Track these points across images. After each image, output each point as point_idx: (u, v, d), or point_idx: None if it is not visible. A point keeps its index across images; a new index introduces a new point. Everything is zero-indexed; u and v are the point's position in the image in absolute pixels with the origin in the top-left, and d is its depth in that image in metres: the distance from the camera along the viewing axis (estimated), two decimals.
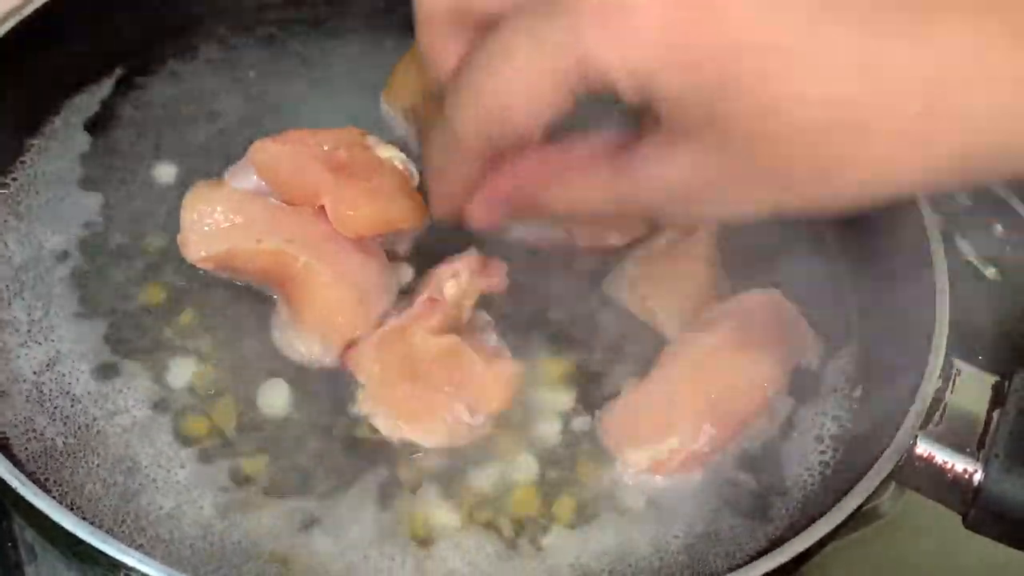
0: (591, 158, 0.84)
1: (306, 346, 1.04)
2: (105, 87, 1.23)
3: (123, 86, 1.23)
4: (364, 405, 1.00)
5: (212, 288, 1.08)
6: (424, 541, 0.96)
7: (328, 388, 1.03)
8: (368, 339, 1.00)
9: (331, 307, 1.04)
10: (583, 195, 0.85)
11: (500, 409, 1.01)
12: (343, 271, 1.04)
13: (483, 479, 1.00)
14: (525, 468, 1.01)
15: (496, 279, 1.05)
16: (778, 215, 0.79)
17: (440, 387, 1.00)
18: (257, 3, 1.33)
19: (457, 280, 1.00)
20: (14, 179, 1.14)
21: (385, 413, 1.00)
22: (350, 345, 1.03)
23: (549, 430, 1.04)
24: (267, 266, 1.05)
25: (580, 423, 1.05)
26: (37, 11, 1.14)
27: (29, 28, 1.13)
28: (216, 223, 1.05)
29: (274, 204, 1.06)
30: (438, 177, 0.92)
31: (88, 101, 1.21)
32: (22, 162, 1.15)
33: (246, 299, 1.08)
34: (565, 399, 1.06)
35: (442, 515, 0.98)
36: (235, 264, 1.06)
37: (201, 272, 1.07)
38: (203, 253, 1.05)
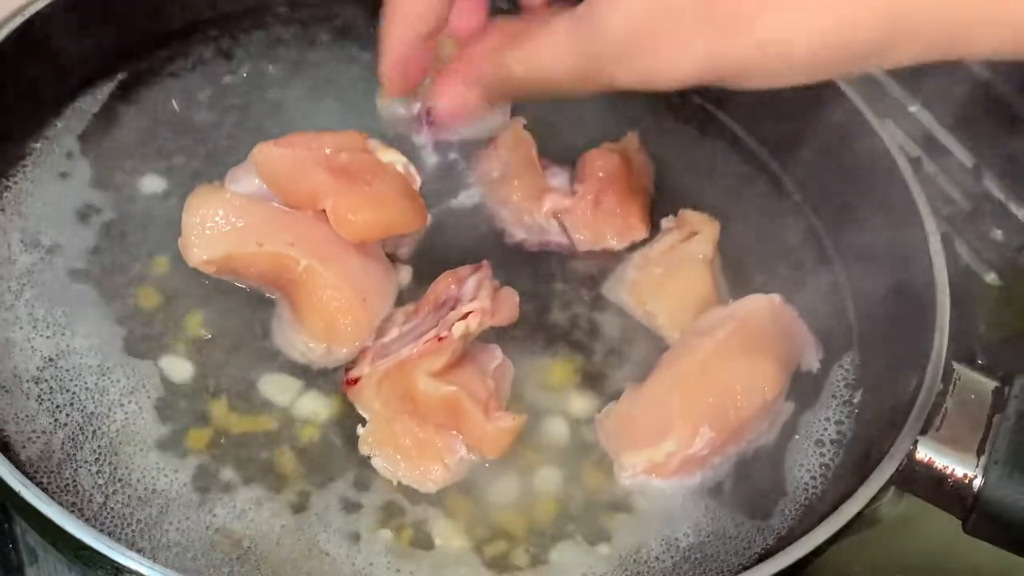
0: (549, 18, 0.89)
1: (308, 348, 1.04)
2: (106, 90, 1.22)
3: (123, 89, 1.23)
4: (365, 446, 1.00)
5: (213, 290, 1.08)
6: (432, 556, 0.96)
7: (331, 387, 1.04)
8: (371, 375, 1.00)
9: (333, 309, 1.04)
10: (544, 52, 0.88)
11: (497, 457, 1.01)
12: (345, 273, 1.04)
13: (491, 492, 1.00)
14: (529, 477, 1.02)
15: (507, 313, 1.04)
16: (717, 73, 0.81)
17: (440, 429, 1.00)
18: (257, 7, 1.32)
19: (467, 322, 1.00)
20: (16, 182, 1.13)
21: (386, 455, 1.00)
22: (352, 367, 1.03)
23: (551, 435, 1.04)
24: (268, 269, 1.05)
25: (580, 427, 1.05)
26: (38, 14, 1.14)
27: (29, 32, 1.13)
28: (217, 227, 1.04)
29: (275, 207, 1.06)
30: (383, 45, 0.99)
31: (89, 104, 1.21)
32: (24, 165, 1.15)
33: (248, 301, 1.08)
34: (565, 403, 1.06)
35: (450, 530, 0.98)
36: (236, 267, 1.06)
37: (202, 276, 1.07)
38: (204, 257, 1.05)
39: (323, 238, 1.05)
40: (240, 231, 1.04)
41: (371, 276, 1.07)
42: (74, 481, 0.95)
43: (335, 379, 1.04)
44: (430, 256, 1.13)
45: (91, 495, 0.95)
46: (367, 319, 1.04)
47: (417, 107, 1.21)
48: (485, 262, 1.06)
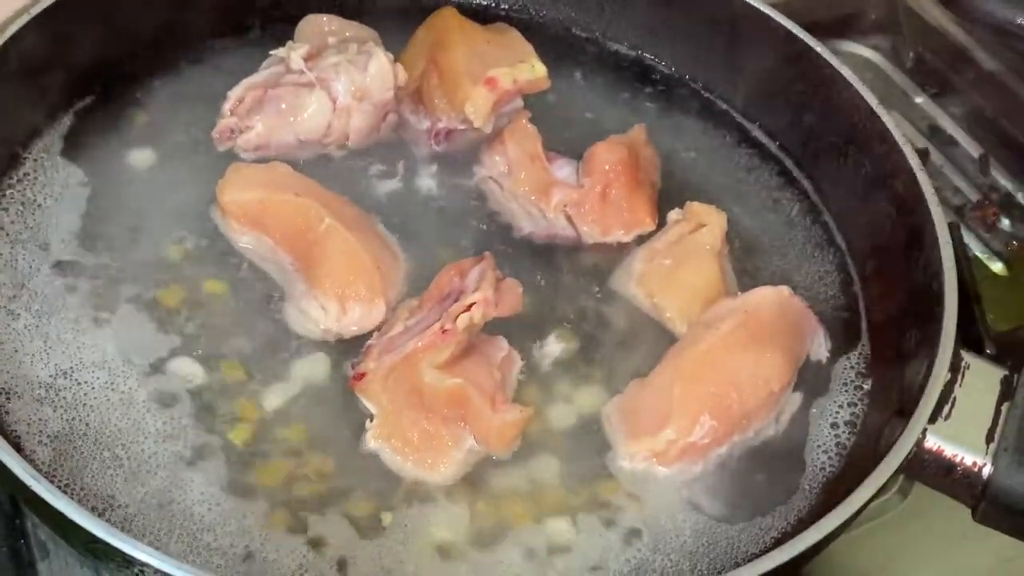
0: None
1: (322, 313, 1.06)
2: (102, 97, 1.22)
3: (121, 97, 1.22)
4: (373, 440, 1.01)
5: (219, 294, 1.09)
6: (439, 546, 0.96)
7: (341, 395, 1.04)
8: (377, 370, 1.01)
9: (349, 269, 1.06)
10: None
11: (503, 451, 1.02)
12: (363, 241, 1.08)
13: (497, 482, 1.01)
14: (538, 466, 1.02)
15: (510, 304, 1.05)
16: None
17: (447, 421, 1.00)
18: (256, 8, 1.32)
19: (471, 314, 1.00)
20: (15, 191, 1.12)
21: (394, 448, 1.00)
22: (359, 363, 1.03)
23: (559, 427, 1.05)
24: (294, 223, 1.08)
25: (587, 419, 1.05)
26: (34, 20, 1.13)
27: (24, 38, 1.12)
28: (258, 177, 1.12)
29: (314, 182, 1.12)
30: None
31: (84, 111, 1.20)
32: (25, 174, 1.14)
33: (254, 303, 1.09)
34: (572, 395, 1.07)
35: (456, 520, 0.98)
36: (264, 218, 1.09)
37: (204, 285, 1.09)
38: (238, 197, 1.10)
39: (350, 212, 1.11)
40: (279, 183, 1.11)
41: (386, 252, 1.11)
42: (84, 476, 0.95)
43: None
44: (436, 250, 1.14)
45: (101, 491, 0.95)
46: (381, 284, 1.07)
47: (427, 123, 1.22)
48: (487, 254, 1.07)
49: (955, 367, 1.00)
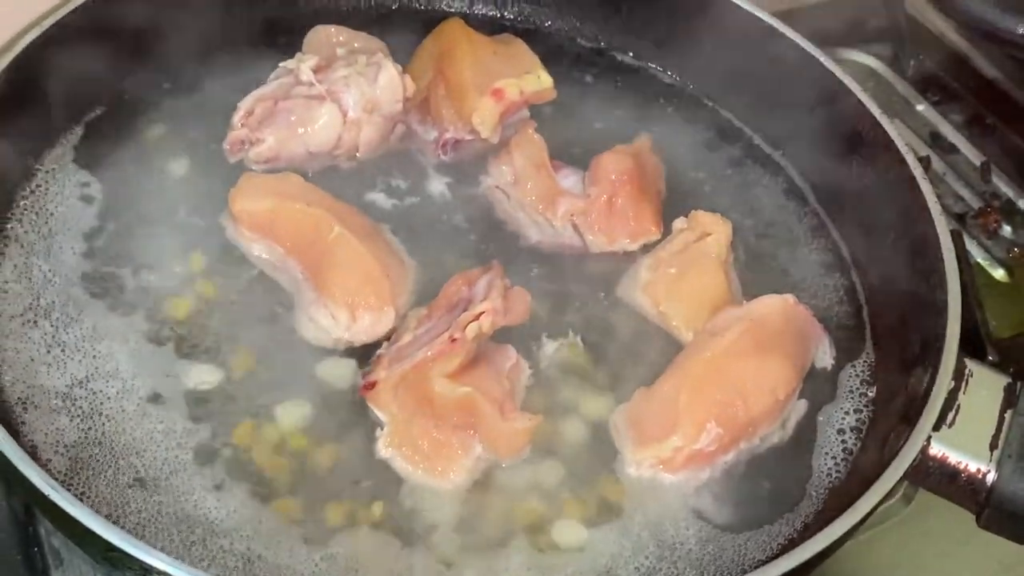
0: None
1: (332, 321, 1.07)
2: (113, 109, 1.23)
3: (132, 109, 1.24)
4: (384, 448, 1.01)
5: (230, 302, 1.10)
6: (451, 555, 0.97)
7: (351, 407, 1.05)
8: (388, 379, 1.02)
9: (358, 275, 1.07)
10: None
11: (512, 458, 1.03)
12: (372, 249, 1.09)
13: (506, 489, 1.02)
14: (546, 473, 1.03)
15: (518, 312, 1.06)
16: None
17: (457, 429, 1.01)
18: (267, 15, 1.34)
19: (479, 323, 1.01)
20: (28, 202, 1.13)
21: (405, 456, 1.01)
22: (370, 372, 1.04)
23: (567, 435, 1.05)
24: (304, 231, 1.10)
25: (595, 427, 1.06)
26: (45, 33, 1.14)
27: (36, 50, 1.13)
28: (270, 186, 1.13)
29: (325, 192, 1.13)
30: None
31: (96, 122, 1.21)
32: (38, 185, 1.15)
33: (265, 312, 1.09)
34: (580, 403, 1.08)
35: (467, 525, 0.99)
36: (275, 226, 1.11)
37: (217, 295, 1.10)
38: (251, 206, 1.11)
39: (359, 222, 1.12)
40: (290, 193, 1.12)
41: (395, 261, 1.12)
42: (99, 485, 0.96)
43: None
44: (444, 259, 1.15)
45: (116, 500, 0.96)
46: (389, 291, 1.08)
47: (434, 134, 1.23)
48: (495, 262, 1.08)
49: (959, 374, 1.01)
